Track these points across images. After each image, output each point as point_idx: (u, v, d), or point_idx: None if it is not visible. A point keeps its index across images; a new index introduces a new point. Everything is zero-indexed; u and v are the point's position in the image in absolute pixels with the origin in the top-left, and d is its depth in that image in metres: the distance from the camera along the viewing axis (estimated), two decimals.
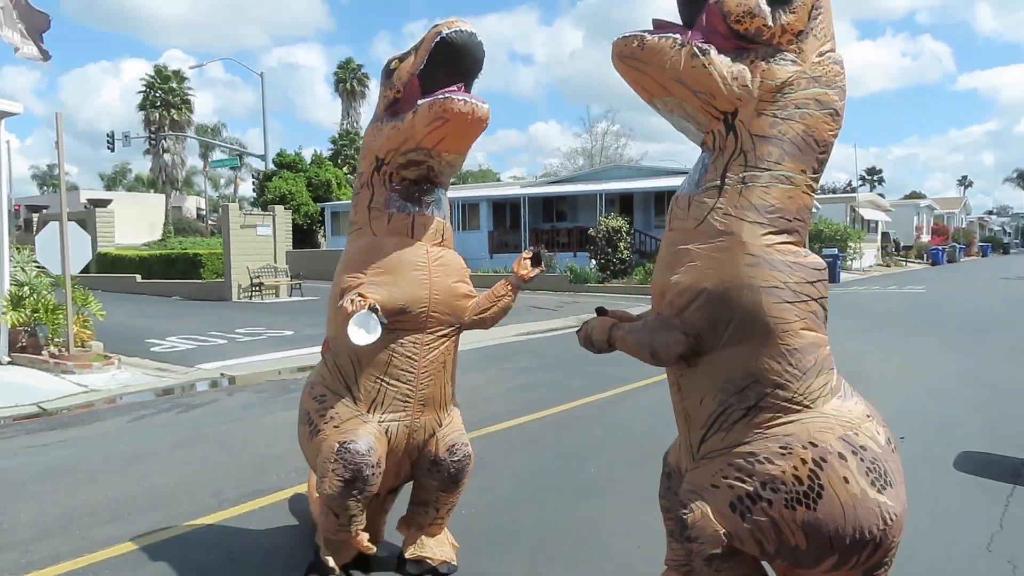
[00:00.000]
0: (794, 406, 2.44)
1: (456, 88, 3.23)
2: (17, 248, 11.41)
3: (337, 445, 3.21)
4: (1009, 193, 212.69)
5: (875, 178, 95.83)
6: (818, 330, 2.52)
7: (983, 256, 58.25)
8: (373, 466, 3.22)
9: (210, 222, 53.00)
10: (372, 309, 3.09)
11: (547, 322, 15.52)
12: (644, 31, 2.57)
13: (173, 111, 43.98)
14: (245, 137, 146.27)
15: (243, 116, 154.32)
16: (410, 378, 3.36)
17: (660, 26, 2.62)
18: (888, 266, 41.24)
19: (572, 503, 4.60)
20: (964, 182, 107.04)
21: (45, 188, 68.93)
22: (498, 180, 64.06)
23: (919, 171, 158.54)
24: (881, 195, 60.22)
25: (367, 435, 3.26)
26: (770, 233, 2.49)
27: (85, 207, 29.51)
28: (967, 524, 4.20)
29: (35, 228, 28.14)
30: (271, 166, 35.73)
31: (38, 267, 10.54)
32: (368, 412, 3.33)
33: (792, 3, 2.51)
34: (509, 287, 3.55)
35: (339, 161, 42.68)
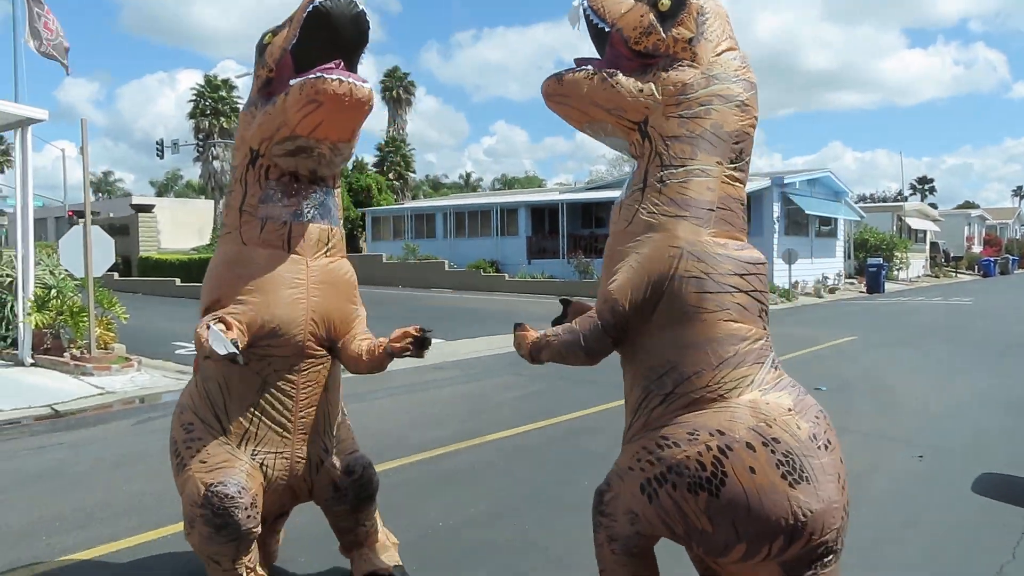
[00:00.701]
0: (708, 395, 2.51)
1: (333, 65, 2.81)
2: (48, 252, 11.64)
3: (203, 488, 2.84)
4: None
5: (926, 188, 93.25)
6: (744, 322, 2.56)
7: None
8: (246, 508, 2.85)
9: None
10: (210, 327, 2.72)
11: None
12: (565, 70, 2.84)
13: (222, 119, 44.79)
14: None
15: None
16: (286, 408, 3.01)
17: (580, 62, 2.86)
18: (937, 277, 40.02)
19: (555, 520, 4.42)
20: (1020, 192, 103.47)
21: (100, 194, 70.92)
22: (541, 186, 63.97)
23: (973, 181, 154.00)
24: (933, 205, 58.61)
25: (237, 474, 2.89)
26: (694, 225, 2.59)
27: (129, 213, 30.19)
28: (979, 550, 3.96)
29: None
30: None
31: (67, 271, 10.74)
32: (240, 446, 2.96)
33: (677, 16, 2.72)
34: (383, 353, 3.06)
35: (385, 167, 43.07)
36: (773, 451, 2.40)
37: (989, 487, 4.97)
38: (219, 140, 44.52)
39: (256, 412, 2.98)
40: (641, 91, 2.72)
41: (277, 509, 3.23)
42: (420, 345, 2.97)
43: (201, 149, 43.91)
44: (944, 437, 6.33)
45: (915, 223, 41.00)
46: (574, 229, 28.76)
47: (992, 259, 44.78)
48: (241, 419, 2.97)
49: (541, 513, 4.55)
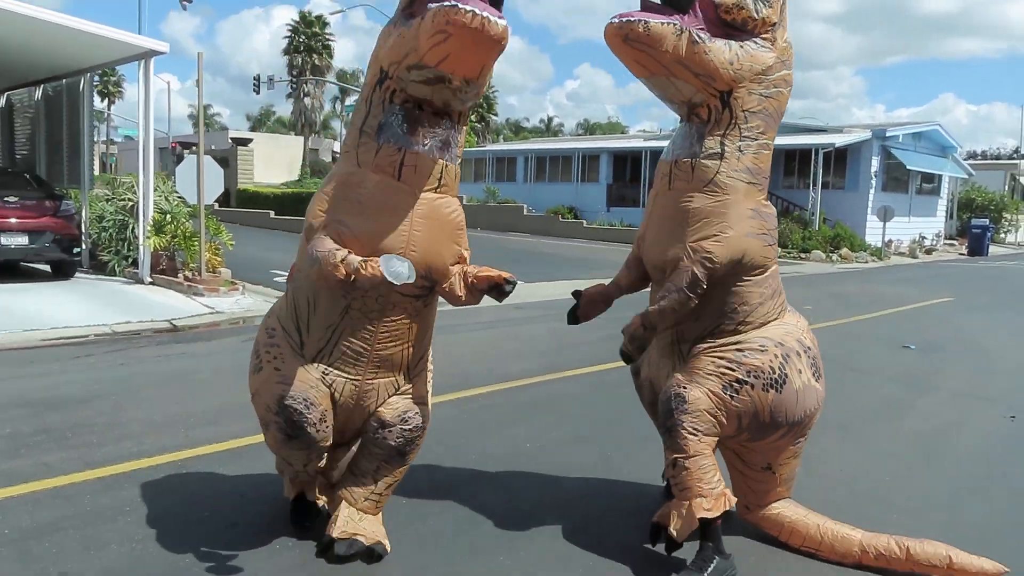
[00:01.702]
0: (768, 318, 3.16)
1: None
2: (163, 179, 12.36)
3: (276, 398, 2.91)
4: None
5: None
6: (776, 262, 3.24)
7: None
8: (316, 423, 2.91)
9: None
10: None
11: None
12: (643, 13, 2.92)
13: (315, 56, 45.59)
14: None
15: None
16: (366, 336, 2.95)
17: (650, 8, 2.95)
18: None
19: (637, 447, 4.65)
20: None
21: (198, 128, 73.48)
22: (623, 133, 62.93)
23: None
24: None
25: (307, 389, 2.92)
26: (759, 190, 3.12)
27: (228, 147, 31.36)
28: None
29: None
30: None
31: (180, 197, 11.42)
32: (314, 361, 2.97)
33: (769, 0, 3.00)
34: (464, 284, 3.00)
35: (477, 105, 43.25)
36: (809, 356, 3.18)
37: None
38: (311, 78, 45.34)
39: (336, 333, 2.95)
40: (731, 63, 2.95)
41: (338, 436, 3.14)
42: (500, 291, 2.94)
43: (294, 85, 44.85)
44: None
45: None
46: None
47: None
48: (320, 337, 2.96)
49: (619, 440, 4.81)
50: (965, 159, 35.28)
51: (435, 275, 2.95)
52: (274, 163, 41.88)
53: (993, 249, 28.67)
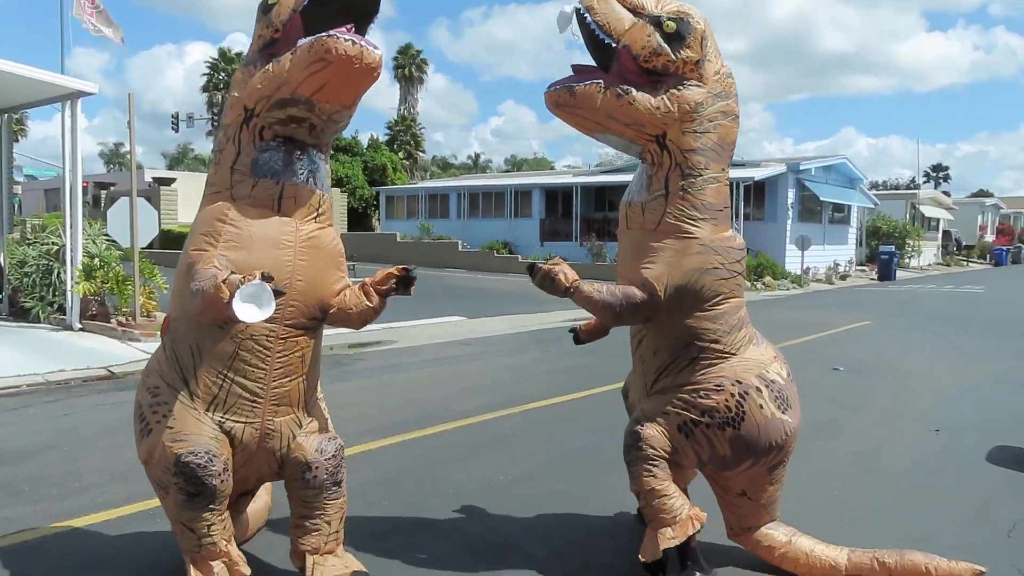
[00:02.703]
0: (725, 354, 3.19)
1: (345, 29, 2.73)
2: (89, 222, 12.02)
3: (174, 457, 2.80)
4: None
5: (940, 175, 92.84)
6: (740, 295, 3.28)
7: None
8: (219, 474, 2.82)
9: None
10: (264, 278, 2.56)
11: None
12: (569, 79, 3.15)
13: None
14: None
15: None
16: (260, 375, 2.89)
17: (579, 70, 3.18)
18: (948, 265, 40.22)
19: (604, 474, 4.80)
20: None
21: (111, 166, 71.29)
22: (552, 169, 64.08)
23: (989, 169, 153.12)
24: (946, 193, 58.46)
25: (206, 441, 2.83)
26: (712, 224, 3.17)
27: (150, 185, 30.55)
28: (992, 513, 4.29)
29: (103, 204, 29.26)
30: None
31: (108, 240, 11.12)
32: (207, 411, 2.88)
33: (686, 40, 3.07)
34: (365, 294, 3.07)
35: (395, 146, 43.33)
36: (772, 390, 3.19)
37: (1003, 458, 5.31)
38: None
39: (227, 377, 2.86)
40: (658, 108, 3.07)
41: (242, 484, 3.10)
42: (406, 284, 2.99)
43: (216, 123, 44.19)
44: (959, 414, 6.67)
45: (928, 211, 41.14)
46: (587, 212, 29.04)
47: (1004, 248, 44.96)
48: (211, 384, 2.86)
49: (587, 469, 4.95)
50: (869, 189, 37.29)
51: (324, 303, 2.98)
52: (193, 201, 41.00)
53: (900, 274, 30.29)
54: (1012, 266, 42.22)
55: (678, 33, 3.05)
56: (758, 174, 24.98)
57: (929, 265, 38.37)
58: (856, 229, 33.10)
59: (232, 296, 2.53)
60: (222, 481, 2.85)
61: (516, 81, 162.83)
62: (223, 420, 2.90)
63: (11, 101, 10.82)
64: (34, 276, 11.06)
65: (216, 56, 46.18)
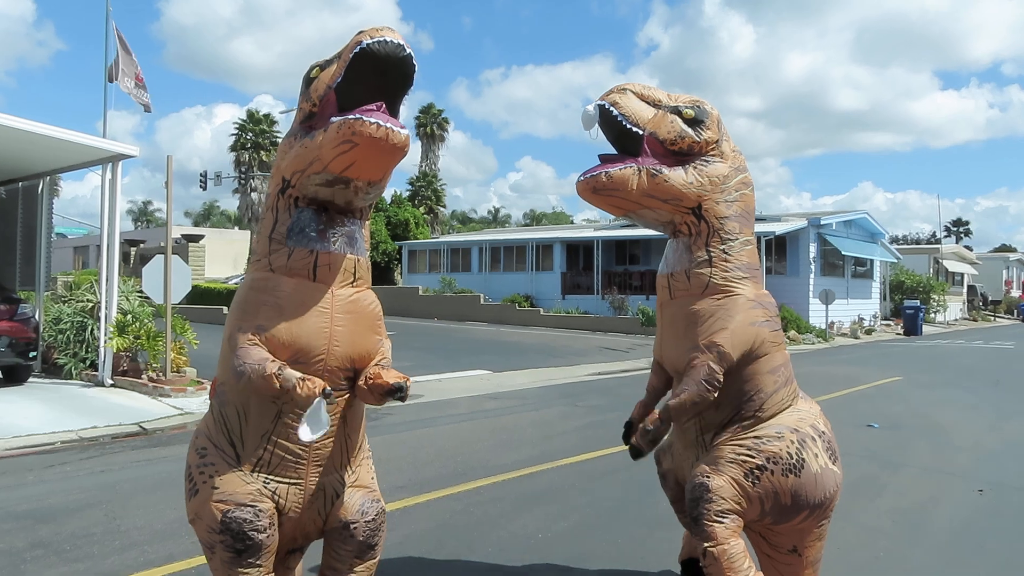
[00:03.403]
0: (782, 406, 3.36)
1: (374, 107, 2.80)
2: (123, 279, 12.23)
3: (220, 515, 2.85)
4: None
5: (961, 230, 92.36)
6: (786, 350, 3.48)
7: None
8: (264, 530, 2.87)
9: None
10: (325, 395, 2.73)
11: (618, 363, 15.64)
12: (600, 166, 3.35)
13: (262, 152, 45.97)
14: None
15: None
16: (290, 435, 2.93)
17: (607, 159, 3.39)
18: (975, 320, 39.73)
19: (645, 533, 4.74)
20: None
21: (139, 223, 72.61)
22: (571, 223, 64.50)
23: (1009, 224, 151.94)
24: (968, 247, 58.10)
25: (250, 499, 2.89)
26: (755, 282, 3.41)
27: (178, 242, 31.10)
28: None
29: (132, 261, 29.79)
30: None
31: (140, 296, 11.30)
32: (253, 473, 2.93)
33: (704, 122, 3.38)
34: (376, 393, 2.97)
35: (417, 201, 43.91)
36: (824, 440, 3.35)
37: None
38: (259, 173, 45.66)
39: (272, 440, 2.93)
40: (691, 183, 3.32)
41: (289, 543, 3.13)
42: (399, 395, 2.91)
43: (243, 181, 45.07)
44: (1002, 473, 6.55)
45: (952, 266, 40.83)
46: (608, 265, 29.16)
47: None
48: (256, 446, 2.94)
49: (626, 527, 4.89)
50: (890, 243, 37.18)
51: (358, 366, 3.02)
52: (220, 258, 41.57)
53: (926, 328, 29.94)
54: None
55: (697, 118, 3.35)
56: (779, 228, 24.99)
57: (955, 320, 37.94)
58: (879, 283, 32.89)
59: (281, 386, 2.72)
60: (268, 536, 2.88)
61: (533, 138, 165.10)
62: (267, 480, 2.94)
63: (55, 164, 11.16)
64: (68, 333, 11.24)
65: (244, 117, 47.24)
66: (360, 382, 3.01)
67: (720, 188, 3.37)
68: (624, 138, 3.36)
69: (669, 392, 3.54)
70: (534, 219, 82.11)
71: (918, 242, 61.56)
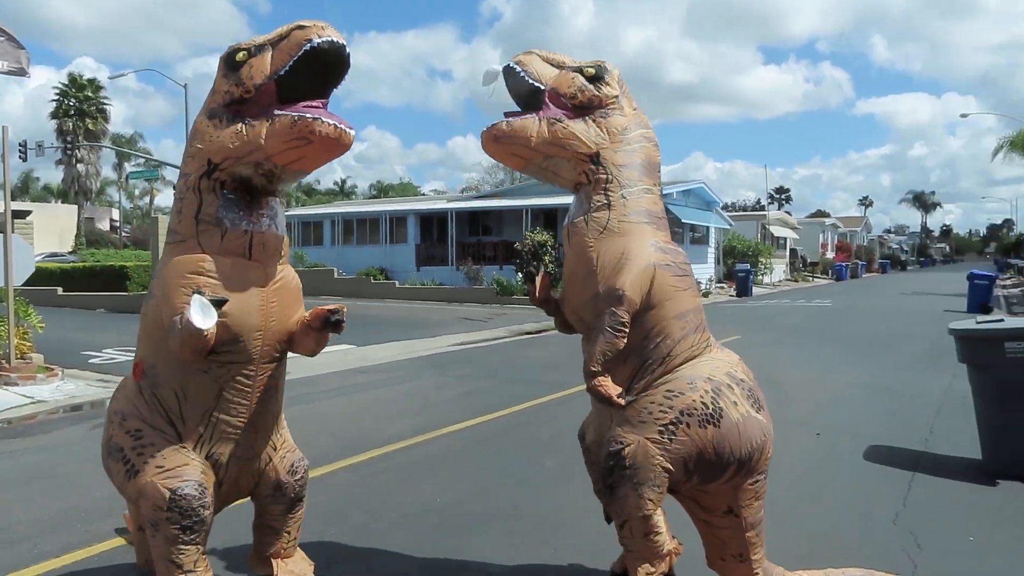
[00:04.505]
0: (692, 353, 3.25)
1: (319, 104, 2.99)
2: None
3: (168, 493, 2.92)
4: (905, 213, 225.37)
5: (783, 197, 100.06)
6: (698, 298, 3.39)
7: (883, 272, 61.56)
8: (208, 507, 3.00)
9: (124, 234, 51.43)
10: (197, 291, 2.84)
11: (479, 333, 15.99)
12: (508, 118, 3.36)
13: (88, 120, 42.64)
14: (159, 148, 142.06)
15: (156, 126, 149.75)
16: (242, 410, 3.12)
17: (510, 114, 3.40)
18: (796, 281, 43.38)
19: (535, 493, 5.07)
20: (865, 202, 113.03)
21: None
22: (418, 194, 64.24)
23: (823, 191, 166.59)
24: (788, 213, 63.14)
25: (196, 475, 3.00)
26: (655, 228, 3.33)
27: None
28: (876, 505, 4.86)
29: None
30: None
31: None
32: (195, 448, 3.07)
33: (604, 79, 3.42)
34: (316, 332, 3.18)
35: None
36: (743, 388, 3.24)
37: (876, 456, 6.01)
38: (85, 143, 42.29)
39: (213, 416, 3.06)
40: (590, 131, 3.36)
41: (222, 505, 3.29)
42: (335, 324, 3.10)
43: (68, 151, 41.57)
44: (834, 419, 7.41)
45: (777, 231, 44.30)
46: (462, 237, 29.46)
47: (844, 264, 49.05)
48: (197, 424, 3.06)
49: (520, 487, 5.20)
50: (722, 210, 39.85)
51: (290, 336, 3.19)
52: (43, 235, 38.30)
53: (756, 290, 32.43)
54: (851, 280, 46.14)
55: (597, 75, 3.41)
56: None
57: (780, 281, 41.28)
58: (714, 248, 35.23)
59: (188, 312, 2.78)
60: (210, 512, 3.01)
61: (378, 107, 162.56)
62: (210, 454, 3.09)
63: None
64: None
65: (65, 82, 43.45)
66: (296, 330, 3.18)
67: (619, 138, 3.37)
68: (529, 98, 3.42)
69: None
70: (381, 190, 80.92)
71: (745, 209, 66.12)
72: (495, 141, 3.36)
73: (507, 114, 3.44)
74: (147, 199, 67.17)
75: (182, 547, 2.95)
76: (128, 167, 57.48)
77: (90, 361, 11.22)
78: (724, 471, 3.16)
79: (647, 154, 3.46)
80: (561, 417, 7.43)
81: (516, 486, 5.23)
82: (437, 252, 29.55)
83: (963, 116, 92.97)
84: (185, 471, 2.98)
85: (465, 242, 29.13)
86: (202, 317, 2.78)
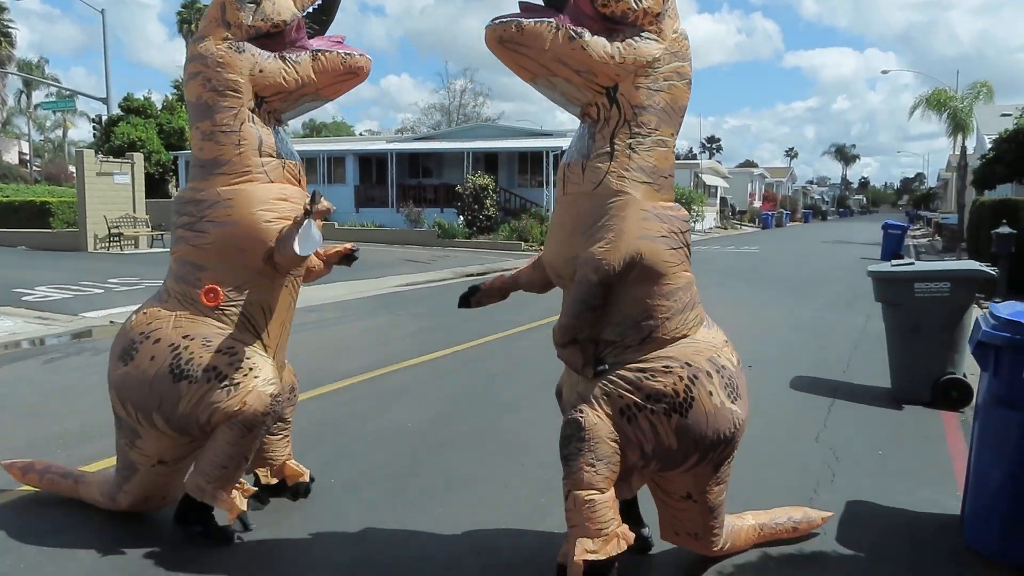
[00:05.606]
0: (677, 334, 2.95)
1: (341, 39, 3.42)
2: None
3: (270, 398, 3.29)
4: (828, 165, 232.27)
5: (714, 146, 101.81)
6: (690, 270, 3.04)
7: (805, 222, 63.62)
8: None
9: (35, 168, 49.16)
10: (307, 213, 3.16)
11: (424, 275, 16.24)
12: (517, 15, 2.87)
13: None
14: (67, 76, 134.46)
15: (63, 52, 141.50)
16: (291, 319, 3.63)
17: (527, 8, 2.89)
18: (725, 228, 44.68)
19: (496, 418, 5.48)
20: (791, 153, 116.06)
21: None
22: (353, 134, 63.06)
23: (751, 141, 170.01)
24: (719, 163, 64.52)
25: (279, 380, 3.43)
26: (655, 190, 2.94)
27: None
28: (801, 425, 5.45)
29: None
30: (116, 110, 33.68)
31: None
32: (269, 354, 3.44)
33: None
34: (326, 265, 3.74)
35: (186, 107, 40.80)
36: (723, 376, 2.94)
37: (801, 385, 6.64)
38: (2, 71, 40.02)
39: (286, 324, 3.54)
40: (612, 57, 2.82)
41: None
42: (349, 259, 3.68)
43: None
44: (763, 351, 8.02)
45: (709, 180, 45.37)
46: (402, 178, 29.31)
47: (770, 213, 50.71)
48: (276, 334, 3.48)
49: (481, 413, 5.62)
50: None
51: None
52: None
53: None
54: (776, 229, 47.82)
55: None
56: (564, 143, 26.43)
57: (711, 228, 42.43)
58: None
59: (295, 222, 3.17)
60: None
61: None
62: (275, 359, 3.49)
63: None
64: None
65: None
66: (312, 259, 3.59)
67: (645, 72, 2.87)
68: None
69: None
70: (314, 129, 78.97)
71: (679, 158, 67.14)
72: (500, 44, 2.87)
73: (522, 5, 2.90)
74: (59, 131, 63.80)
75: (254, 445, 3.35)
76: (37, 96, 54.62)
77: (24, 299, 11.06)
78: (685, 460, 2.94)
79: (674, 95, 2.97)
80: (513, 353, 7.86)
81: (479, 412, 5.64)
82: (377, 194, 29.38)
83: (884, 72, 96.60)
84: (274, 377, 3.36)
85: (405, 184, 29.01)
86: (311, 242, 3.15)
